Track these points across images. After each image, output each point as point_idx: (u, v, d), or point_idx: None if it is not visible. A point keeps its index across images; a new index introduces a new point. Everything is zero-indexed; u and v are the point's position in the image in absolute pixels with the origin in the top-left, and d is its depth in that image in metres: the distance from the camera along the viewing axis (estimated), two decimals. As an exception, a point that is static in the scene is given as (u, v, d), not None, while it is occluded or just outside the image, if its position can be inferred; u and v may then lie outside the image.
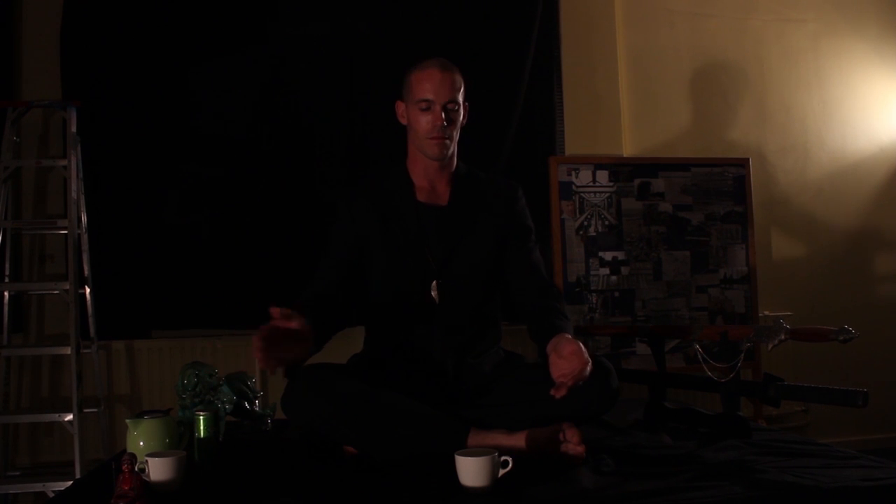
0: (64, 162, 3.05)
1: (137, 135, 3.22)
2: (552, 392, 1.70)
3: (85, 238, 3.11)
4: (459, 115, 2.05)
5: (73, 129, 3.05)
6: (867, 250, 3.99)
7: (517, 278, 2.12)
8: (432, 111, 1.99)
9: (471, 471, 1.54)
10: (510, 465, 1.56)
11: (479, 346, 2.08)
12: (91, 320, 3.11)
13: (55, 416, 2.93)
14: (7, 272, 3.13)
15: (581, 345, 1.76)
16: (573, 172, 3.44)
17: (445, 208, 2.09)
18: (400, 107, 2.09)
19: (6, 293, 3.11)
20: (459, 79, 2.04)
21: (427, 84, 1.99)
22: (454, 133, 2.04)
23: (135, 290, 3.21)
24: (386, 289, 2.07)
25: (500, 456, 1.56)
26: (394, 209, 2.07)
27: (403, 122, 2.09)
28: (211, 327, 3.27)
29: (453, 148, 2.08)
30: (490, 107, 3.30)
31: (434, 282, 2.02)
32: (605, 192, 3.46)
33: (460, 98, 2.03)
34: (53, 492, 2.79)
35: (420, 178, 2.10)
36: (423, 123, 2.01)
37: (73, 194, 3.02)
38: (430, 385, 1.96)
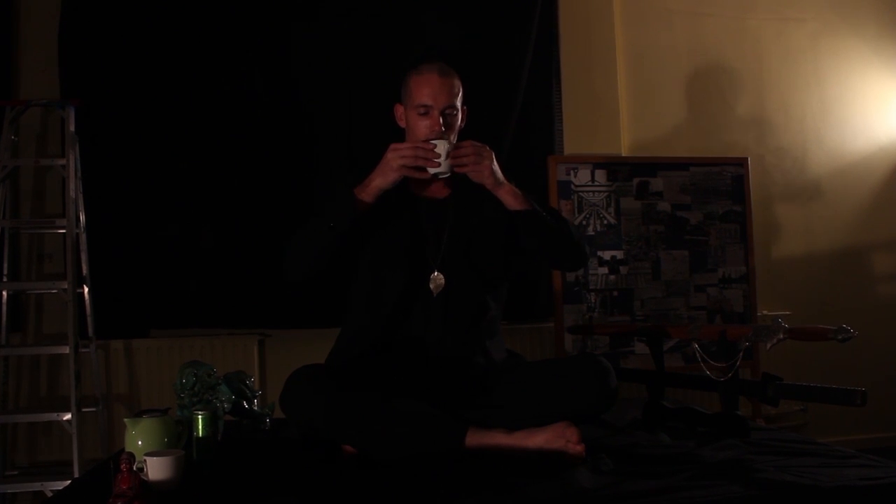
0: (62, 161, 3.04)
1: (136, 134, 3.22)
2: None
3: (83, 237, 3.10)
4: (458, 121, 2.05)
5: (72, 128, 3.05)
6: (865, 250, 3.99)
7: None
8: (430, 116, 2.00)
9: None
10: None
11: (482, 341, 2.06)
12: (89, 319, 3.10)
13: (53, 416, 2.92)
14: (5, 271, 3.12)
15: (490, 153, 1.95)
16: (572, 171, 3.44)
17: (444, 200, 2.09)
18: (399, 110, 2.10)
19: (4, 292, 3.10)
20: (458, 83, 2.04)
21: (426, 89, 2.00)
22: (452, 138, 2.03)
23: (133, 290, 3.21)
24: (379, 284, 2.03)
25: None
26: (390, 202, 2.01)
27: (402, 124, 2.10)
28: (209, 326, 3.27)
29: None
30: (489, 106, 3.30)
31: (431, 275, 2.01)
32: (604, 192, 3.46)
33: (458, 103, 2.04)
34: (52, 491, 2.78)
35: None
36: (421, 128, 2.01)
37: (72, 193, 3.01)
38: (430, 383, 1.95)
